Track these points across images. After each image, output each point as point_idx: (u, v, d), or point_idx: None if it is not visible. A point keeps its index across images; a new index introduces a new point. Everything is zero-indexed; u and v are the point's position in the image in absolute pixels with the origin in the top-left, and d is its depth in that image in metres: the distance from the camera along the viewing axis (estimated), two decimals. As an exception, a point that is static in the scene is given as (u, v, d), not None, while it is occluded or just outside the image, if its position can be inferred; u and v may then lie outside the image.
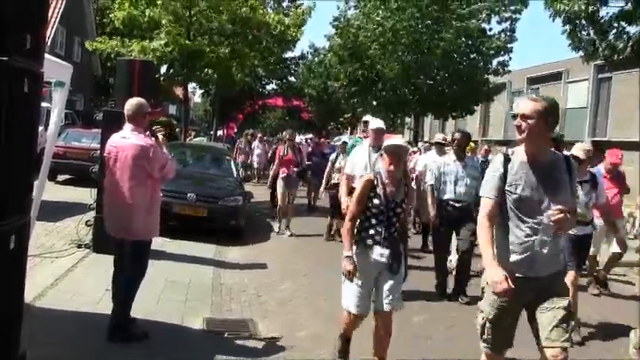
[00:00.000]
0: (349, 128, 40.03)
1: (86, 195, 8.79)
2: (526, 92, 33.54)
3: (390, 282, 4.68)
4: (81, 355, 4.80)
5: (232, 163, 13.40)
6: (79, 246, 8.28)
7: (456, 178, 7.63)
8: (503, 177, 3.70)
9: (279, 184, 11.77)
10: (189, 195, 10.33)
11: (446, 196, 7.67)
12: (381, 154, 4.95)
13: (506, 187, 3.69)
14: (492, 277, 3.52)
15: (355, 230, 4.76)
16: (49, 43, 23.77)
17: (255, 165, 22.16)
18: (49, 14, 23.60)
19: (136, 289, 5.29)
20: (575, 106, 28.73)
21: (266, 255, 9.64)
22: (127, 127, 5.28)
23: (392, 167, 4.67)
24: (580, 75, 27.06)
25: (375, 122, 7.91)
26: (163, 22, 16.38)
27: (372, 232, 4.68)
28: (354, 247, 4.70)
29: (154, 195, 5.34)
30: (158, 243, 9.08)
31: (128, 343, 5.08)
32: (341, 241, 9.23)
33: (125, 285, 5.26)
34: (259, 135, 24.75)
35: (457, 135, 8.06)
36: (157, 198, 5.41)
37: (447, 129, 40.93)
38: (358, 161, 7.56)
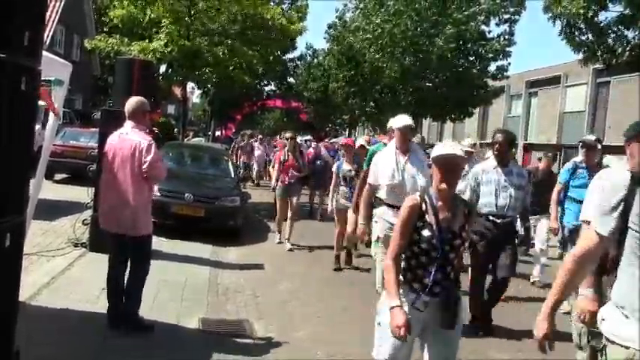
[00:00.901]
0: (347, 130, 40.06)
1: (83, 194, 8.77)
2: (525, 95, 33.65)
3: (443, 342, 3.55)
4: (76, 354, 4.78)
5: (230, 163, 13.37)
6: (76, 245, 8.26)
7: (497, 188, 6.30)
8: (627, 205, 2.51)
9: (277, 192, 10.78)
10: (186, 195, 10.33)
11: (485, 210, 6.29)
12: (428, 166, 4.34)
13: (631, 221, 2.50)
14: None
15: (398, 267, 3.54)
16: (48, 42, 23.77)
17: (255, 167, 21.50)
18: (49, 12, 23.64)
19: (144, 282, 5.45)
20: (573, 109, 28.78)
21: (263, 256, 9.62)
22: (128, 124, 5.39)
23: (445, 185, 3.47)
24: (579, 79, 27.13)
25: (401, 119, 6.33)
26: (163, 22, 16.38)
27: (419, 273, 3.49)
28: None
29: (152, 189, 5.56)
30: (155, 243, 9.09)
31: (130, 337, 5.14)
32: (349, 267, 9.29)
33: (134, 279, 5.40)
34: (259, 136, 24.54)
35: (499, 136, 6.52)
36: (152, 193, 5.64)
37: (445, 131, 41.08)
38: (383, 168, 6.19)
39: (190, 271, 7.95)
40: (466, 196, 6.04)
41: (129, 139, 5.27)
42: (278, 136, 25.54)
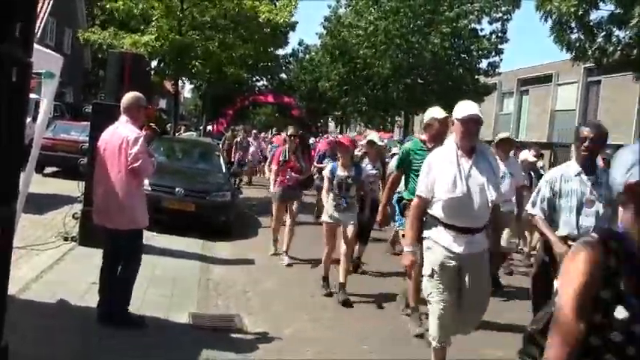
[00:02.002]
0: (339, 126, 40.07)
1: (73, 187, 8.74)
2: (516, 93, 33.77)
3: None
4: (64, 347, 4.77)
5: (221, 158, 13.34)
6: (66, 239, 8.23)
7: (580, 201, 4.72)
8: None
9: (274, 196, 9.41)
10: (177, 189, 10.31)
11: (563, 232, 4.77)
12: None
13: None
14: None
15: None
16: (39, 34, 23.61)
17: (250, 164, 20.40)
18: (40, 3, 23.46)
19: (135, 277, 5.45)
20: (564, 108, 28.89)
21: (253, 251, 9.62)
22: (122, 118, 5.40)
23: None
24: (570, 78, 27.22)
25: (466, 106, 4.67)
26: (155, 16, 16.32)
27: None
28: None
29: (141, 183, 5.54)
30: (145, 237, 9.07)
31: (119, 332, 5.11)
32: (364, 272, 8.64)
33: (126, 273, 5.40)
34: (254, 131, 23.81)
35: (588, 131, 4.75)
36: (142, 187, 5.64)
37: (370, 133, 41.06)
38: (440, 175, 4.56)
39: (181, 265, 7.93)
40: (535, 211, 4.93)
41: (118, 132, 5.29)
42: (271, 131, 25.14)
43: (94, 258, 5.57)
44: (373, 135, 9.21)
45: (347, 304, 6.92)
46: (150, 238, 8.48)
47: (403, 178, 6.38)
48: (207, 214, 10.46)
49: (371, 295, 7.43)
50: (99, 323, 5.25)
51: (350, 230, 7.24)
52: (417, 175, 5.18)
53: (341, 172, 7.42)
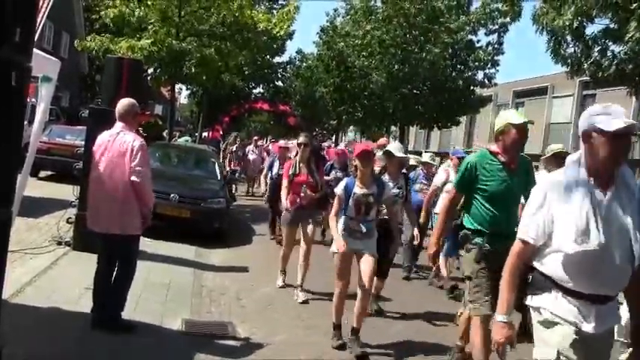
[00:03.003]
0: (334, 135, 40.12)
1: (68, 192, 8.73)
2: (512, 105, 33.91)
3: None
4: (58, 352, 4.76)
5: (217, 165, 13.34)
6: (60, 243, 8.21)
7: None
8: None
9: (284, 219, 7.97)
10: (172, 195, 10.30)
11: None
12: None
13: None
14: None
15: None
16: (36, 38, 23.58)
17: (249, 173, 19.32)
18: (38, 8, 23.43)
19: (130, 283, 5.44)
20: (559, 121, 29.03)
21: (248, 258, 9.62)
22: (118, 125, 5.40)
23: None
24: (565, 91, 27.36)
25: (613, 112, 2.99)
26: (151, 21, 16.34)
27: None
28: None
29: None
30: (139, 243, 9.06)
31: (112, 337, 5.11)
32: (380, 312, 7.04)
33: (121, 279, 5.40)
34: (255, 138, 23.04)
35: None
36: None
37: (431, 140, 41.22)
38: (562, 214, 3.02)
39: (175, 272, 7.93)
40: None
41: (120, 138, 5.29)
42: (266, 139, 24.83)
43: (88, 263, 5.57)
44: (393, 145, 7.56)
45: (363, 359, 5.62)
46: (144, 243, 8.46)
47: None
48: (201, 220, 10.45)
49: (394, 346, 6.11)
50: (92, 328, 5.24)
51: (370, 263, 5.79)
52: (485, 197, 4.74)
53: (359, 190, 5.87)
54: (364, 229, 5.83)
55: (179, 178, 11.56)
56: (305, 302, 7.30)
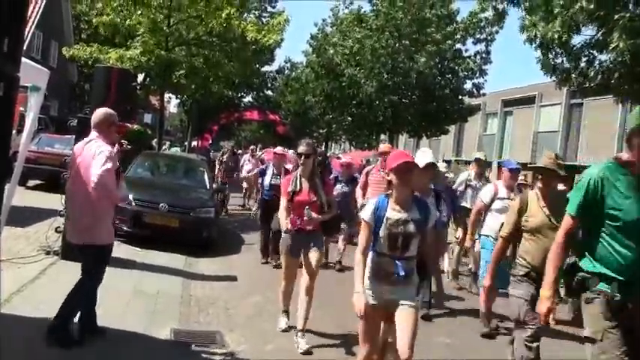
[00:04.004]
0: (324, 143, 40.19)
1: (56, 201, 8.69)
2: (500, 114, 34.13)
3: None
4: (45, 362, 4.75)
5: (206, 174, 13.34)
6: (48, 252, 8.19)
7: None
8: None
9: (282, 244, 6.32)
10: (161, 205, 10.29)
11: None
12: None
13: None
14: None
15: None
16: (25, 47, 23.50)
17: (245, 184, 17.81)
18: (27, 16, 23.37)
19: (88, 295, 5.31)
20: (547, 129, 29.25)
21: (236, 268, 9.61)
22: (92, 134, 5.30)
23: None
24: (553, 99, 27.63)
25: None
26: (140, 31, 16.37)
27: None
28: None
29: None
30: (128, 252, 9.06)
31: (99, 347, 5.06)
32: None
33: (89, 289, 5.29)
34: (252, 147, 21.93)
35: None
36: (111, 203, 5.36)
37: (421, 148, 41.42)
38: None
39: (163, 281, 7.92)
40: None
41: (89, 146, 5.17)
42: (256, 147, 24.23)
43: (75, 272, 5.53)
44: (427, 153, 6.15)
45: None
46: (133, 253, 8.48)
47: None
48: (190, 229, 10.43)
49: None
50: (79, 339, 5.18)
51: (411, 318, 4.16)
52: (615, 227, 3.36)
53: (395, 214, 4.22)
54: (402, 272, 4.15)
55: (168, 188, 11.56)
56: (308, 353, 5.76)
